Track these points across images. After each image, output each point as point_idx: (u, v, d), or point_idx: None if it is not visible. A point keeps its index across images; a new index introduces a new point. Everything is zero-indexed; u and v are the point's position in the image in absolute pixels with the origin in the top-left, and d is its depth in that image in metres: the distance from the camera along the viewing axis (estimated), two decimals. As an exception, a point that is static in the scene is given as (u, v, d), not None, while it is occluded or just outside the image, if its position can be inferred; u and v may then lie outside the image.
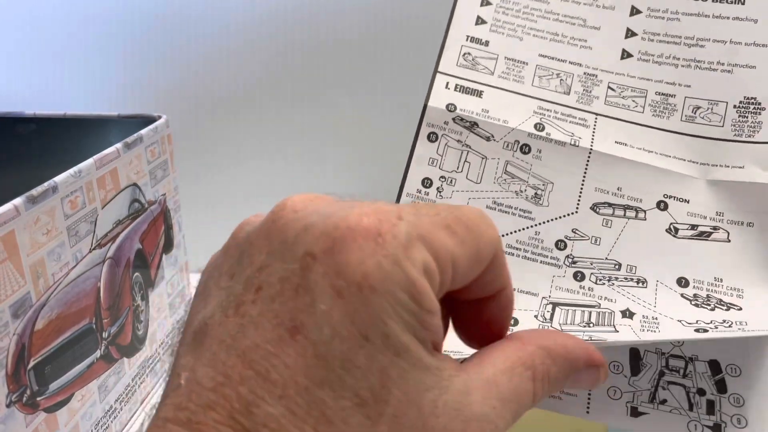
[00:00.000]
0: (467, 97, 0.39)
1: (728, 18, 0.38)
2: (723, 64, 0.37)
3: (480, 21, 0.40)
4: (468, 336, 0.25)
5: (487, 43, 0.40)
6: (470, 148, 0.38)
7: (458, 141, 0.38)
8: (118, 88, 0.72)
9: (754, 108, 0.36)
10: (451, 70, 0.40)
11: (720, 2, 0.38)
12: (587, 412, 0.31)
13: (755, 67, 0.36)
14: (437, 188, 0.38)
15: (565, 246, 0.36)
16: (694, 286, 0.33)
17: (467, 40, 0.40)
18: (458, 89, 0.39)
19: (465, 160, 0.38)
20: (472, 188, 0.38)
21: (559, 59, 0.39)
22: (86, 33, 0.71)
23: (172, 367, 0.21)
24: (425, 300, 0.20)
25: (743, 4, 0.37)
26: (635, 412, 0.31)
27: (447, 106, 0.39)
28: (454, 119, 0.38)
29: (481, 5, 0.41)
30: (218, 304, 0.20)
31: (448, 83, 0.39)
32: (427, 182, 0.38)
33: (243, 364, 0.19)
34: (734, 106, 0.36)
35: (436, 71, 0.40)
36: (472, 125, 0.38)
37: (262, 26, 0.70)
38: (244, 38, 0.71)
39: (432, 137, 0.38)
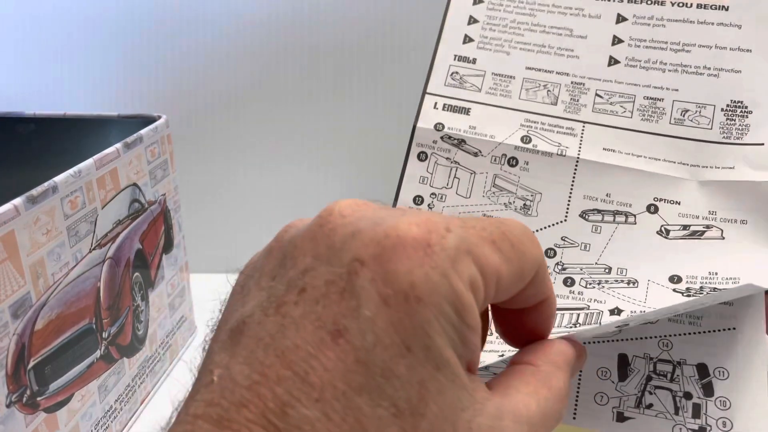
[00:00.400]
0: (455, 116, 0.39)
1: (713, 24, 0.38)
2: (709, 68, 0.37)
3: (467, 39, 0.41)
4: (509, 338, 0.26)
5: (474, 61, 0.40)
6: (459, 164, 0.39)
7: (447, 158, 0.39)
8: (118, 88, 0.72)
9: (741, 111, 0.36)
10: (439, 90, 0.40)
11: (704, 8, 0.38)
12: (574, 418, 0.32)
13: (740, 72, 0.37)
14: (428, 205, 0.38)
15: (555, 254, 0.36)
16: (687, 281, 0.33)
17: (455, 59, 0.41)
18: (446, 108, 0.40)
19: (454, 176, 0.39)
20: (462, 203, 0.38)
21: (546, 70, 0.40)
22: (86, 33, 0.71)
23: (203, 364, 0.21)
24: (469, 316, 0.20)
25: (727, 9, 0.38)
26: (621, 417, 0.31)
27: (435, 126, 0.39)
28: (442, 138, 0.39)
29: (469, 23, 0.41)
30: (258, 304, 0.20)
31: (436, 103, 0.40)
32: (418, 200, 0.39)
33: (281, 363, 0.18)
34: (722, 110, 0.36)
35: (424, 92, 0.41)
36: (459, 142, 0.39)
37: (262, 27, 0.70)
38: (245, 39, 0.71)
39: (422, 156, 0.39)
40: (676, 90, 0.37)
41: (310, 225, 0.21)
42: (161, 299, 0.57)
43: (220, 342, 0.20)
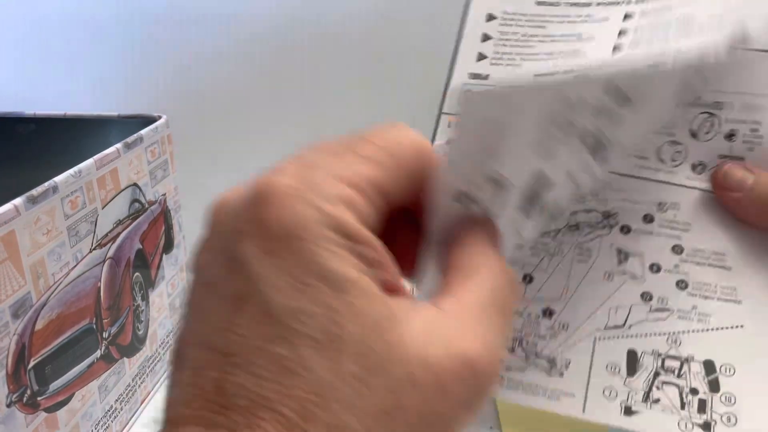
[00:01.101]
0: None
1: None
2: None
3: (481, 57, 0.41)
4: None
5: (487, 77, 0.41)
6: None
7: None
8: (118, 88, 0.72)
9: None
10: (454, 110, 0.41)
11: None
12: (583, 412, 0.32)
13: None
14: None
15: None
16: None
17: (469, 77, 0.41)
18: None
19: None
20: None
21: (552, 73, 0.40)
22: (86, 33, 0.71)
23: None
24: (351, 230, 0.20)
25: None
26: (629, 411, 0.32)
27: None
28: None
29: (482, 41, 0.41)
30: (182, 316, 0.22)
31: (450, 123, 0.40)
32: None
33: (205, 349, 0.19)
34: None
35: (440, 113, 0.41)
36: None
37: (262, 26, 0.70)
38: (245, 38, 0.71)
39: None
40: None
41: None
42: (161, 299, 0.57)
43: (171, 364, 0.23)
